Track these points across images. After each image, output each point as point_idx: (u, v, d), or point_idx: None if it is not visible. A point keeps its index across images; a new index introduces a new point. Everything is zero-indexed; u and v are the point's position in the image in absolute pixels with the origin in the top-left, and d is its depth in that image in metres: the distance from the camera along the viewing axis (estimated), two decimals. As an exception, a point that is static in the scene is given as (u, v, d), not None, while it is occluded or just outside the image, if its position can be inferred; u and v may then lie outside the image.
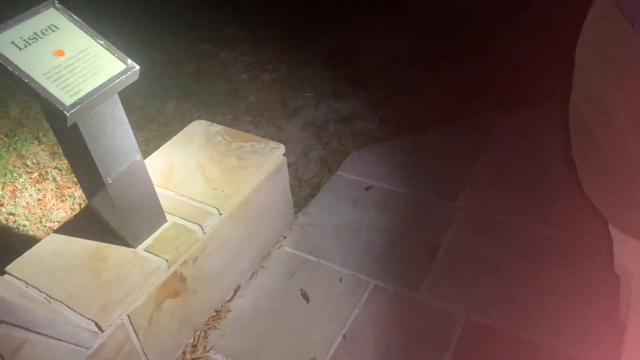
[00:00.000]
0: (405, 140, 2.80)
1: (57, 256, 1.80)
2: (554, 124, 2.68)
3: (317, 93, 3.21)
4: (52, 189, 2.66)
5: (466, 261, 2.16)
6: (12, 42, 1.45)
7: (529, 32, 3.36)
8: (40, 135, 2.98)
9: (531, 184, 2.46)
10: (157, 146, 2.77)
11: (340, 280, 2.14)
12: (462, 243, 2.24)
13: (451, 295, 2.04)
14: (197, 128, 2.36)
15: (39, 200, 2.61)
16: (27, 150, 2.89)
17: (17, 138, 2.99)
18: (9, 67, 1.41)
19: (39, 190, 2.66)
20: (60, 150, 2.87)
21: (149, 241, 1.83)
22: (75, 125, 1.47)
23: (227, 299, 2.13)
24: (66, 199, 2.59)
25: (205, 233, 1.91)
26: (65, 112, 1.40)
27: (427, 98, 3.06)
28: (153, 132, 2.92)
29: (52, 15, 1.54)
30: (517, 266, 2.11)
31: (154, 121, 3.02)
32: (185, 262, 1.85)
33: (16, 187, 2.69)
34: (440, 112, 2.95)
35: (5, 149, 2.92)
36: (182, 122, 3.01)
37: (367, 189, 2.53)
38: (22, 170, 2.78)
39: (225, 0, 4.16)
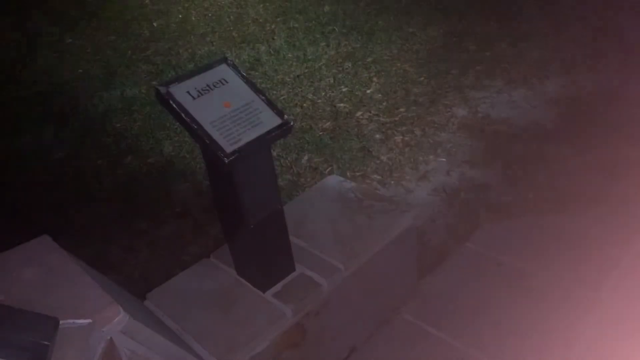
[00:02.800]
0: (543, 219, 2.64)
1: (192, 291, 1.91)
2: None
3: (451, 159, 3.17)
4: (191, 225, 2.85)
5: (608, 361, 1.94)
6: (188, 92, 1.61)
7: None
8: (187, 173, 3.24)
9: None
10: (289, 195, 2.88)
11: (462, 360, 2.02)
12: (603, 340, 2.02)
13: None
14: (331, 183, 2.42)
15: (179, 233, 2.81)
16: (174, 187, 3.15)
17: (166, 174, 3.28)
18: (182, 114, 1.57)
19: (179, 224, 2.87)
20: (203, 190, 3.09)
21: (277, 288, 1.88)
22: (230, 171, 1.58)
23: (342, 358, 2.09)
24: (203, 236, 2.76)
25: (330, 288, 1.92)
26: (225, 158, 1.51)
27: (570, 177, 2.88)
28: (287, 182, 3.05)
29: (223, 70, 1.69)
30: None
31: (289, 171, 3.16)
32: (307, 314, 1.87)
33: (160, 219, 2.93)
34: (584, 194, 2.75)
35: (155, 183, 3.21)
36: (314, 175, 3.12)
37: (498, 265, 2.40)
38: (167, 204, 3.03)
39: (364, 63, 4.32)
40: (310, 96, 3.92)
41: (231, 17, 5.31)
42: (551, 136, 3.25)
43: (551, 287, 2.27)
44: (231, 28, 5.09)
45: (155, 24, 5.32)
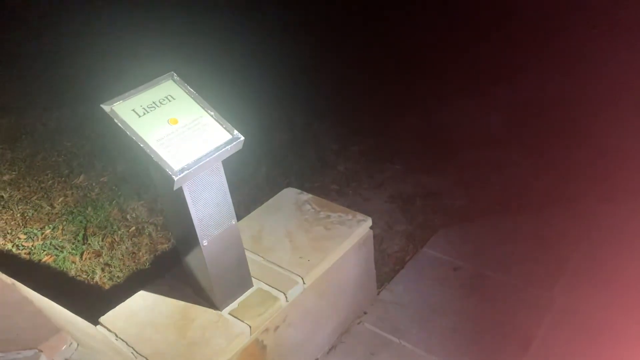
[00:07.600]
0: (496, 222, 2.69)
1: (147, 312, 1.86)
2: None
3: (406, 166, 3.21)
4: (146, 244, 2.79)
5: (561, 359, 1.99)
6: (133, 110, 1.58)
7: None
8: (141, 191, 3.17)
9: (636, 282, 2.25)
10: (248, 209, 2.85)
11: (423, 365, 2.04)
12: (557, 338, 2.07)
13: (545, 396, 1.87)
14: (288, 195, 2.41)
15: (134, 253, 2.74)
16: (128, 205, 3.08)
17: (120, 193, 3.20)
18: (127, 132, 1.53)
19: (134, 244, 2.80)
20: (158, 207, 3.03)
21: (234, 305, 1.85)
22: (180, 189, 1.56)
23: (304, 372, 2.08)
24: (159, 255, 2.70)
25: (288, 301, 1.91)
26: (173, 176, 1.48)
27: (522, 180, 2.96)
28: (245, 196, 3.03)
29: (170, 87, 1.67)
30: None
31: (247, 185, 3.14)
32: (267, 329, 1.84)
33: (115, 239, 2.85)
34: (535, 196, 2.83)
35: (108, 202, 3.13)
36: (272, 188, 3.10)
37: (455, 269, 2.44)
38: (121, 223, 2.96)
39: (318, 74, 4.34)
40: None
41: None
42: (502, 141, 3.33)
43: (506, 288, 2.32)
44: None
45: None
